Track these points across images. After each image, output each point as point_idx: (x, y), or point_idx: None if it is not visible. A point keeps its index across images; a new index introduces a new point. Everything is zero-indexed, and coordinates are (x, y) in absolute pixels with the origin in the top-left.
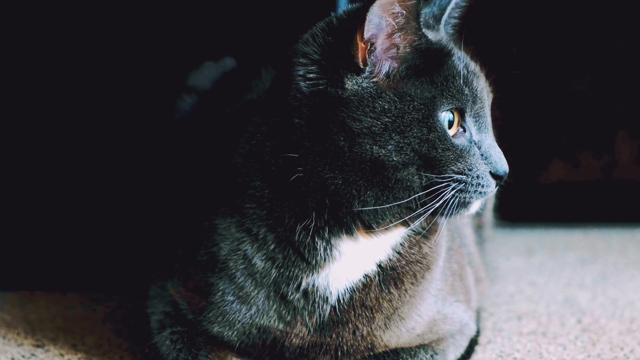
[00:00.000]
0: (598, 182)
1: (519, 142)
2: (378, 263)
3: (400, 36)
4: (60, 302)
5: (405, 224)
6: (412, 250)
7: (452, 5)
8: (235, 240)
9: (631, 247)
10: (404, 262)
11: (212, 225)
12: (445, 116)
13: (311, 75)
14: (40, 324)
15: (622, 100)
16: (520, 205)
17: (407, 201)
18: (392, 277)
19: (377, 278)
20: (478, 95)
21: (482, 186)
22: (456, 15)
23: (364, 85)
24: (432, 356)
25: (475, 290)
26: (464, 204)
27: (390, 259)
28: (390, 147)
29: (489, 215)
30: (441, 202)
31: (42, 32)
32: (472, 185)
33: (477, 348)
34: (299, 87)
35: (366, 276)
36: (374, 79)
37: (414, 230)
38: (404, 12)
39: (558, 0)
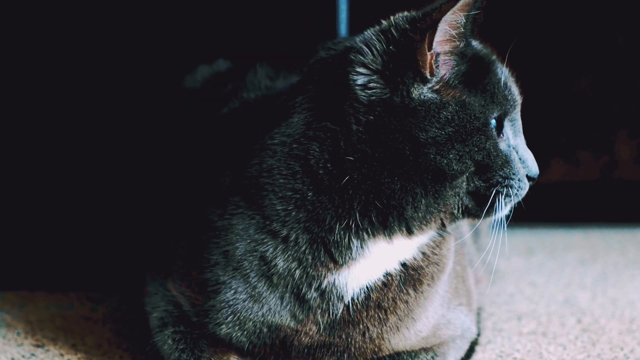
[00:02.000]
0: (598, 182)
1: None
2: (402, 262)
3: (459, 45)
4: (60, 302)
5: (441, 226)
6: (435, 251)
7: (473, 13)
8: (253, 242)
9: (631, 247)
10: (427, 263)
11: (227, 225)
12: (493, 123)
13: (373, 85)
14: (40, 324)
15: (622, 100)
16: (520, 205)
17: (452, 207)
18: (413, 277)
19: (398, 277)
20: (517, 100)
21: (522, 189)
22: (477, 13)
23: (430, 95)
24: (432, 357)
25: (475, 291)
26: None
27: (415, 259)
28: (451, 156)
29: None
30: (497, 206)
31: (41, 35)
32: (517, 188)
33: (477, 348)
34: (357, 96)
35: (387, 275)
36: (439, 88)
37: (440, 231)
38: (464, 20)
39: (558, 0)
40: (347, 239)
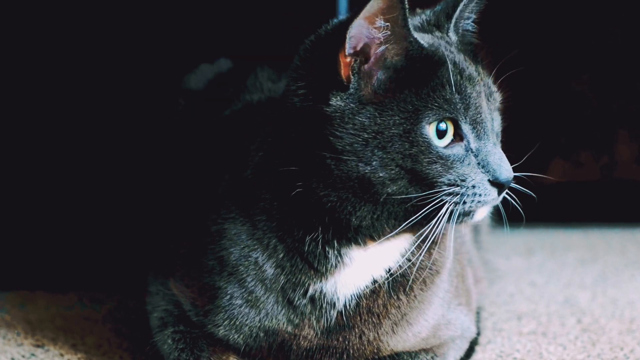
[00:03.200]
0: (598, 182)
1: (519, 142)
2: (387, 269)
3: (386, 48)
4: (60, 302)
5: (412, 231)
6: (422, 256)
7: (464, 2)
8: (246, 247)
9: (631, 247)
10: (414, 269)
11: (221, 230)
12: (431, 127)
13: (301, 92)
14: (40, 324)
15: (622, 100)
16: (520, 205)
17: (398, 215)
18: (401, 283)
19: (386, 285)
20: (472, 101)
21: (480, 195)
22: (475, 9)
23: (348, 101)
24: (432, 357)
25: (474, 290)
26: (466, 214)
27: (400, 266)
28: (375, 163)
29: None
30: (440, 214)
31: (42, 35)
32: (468, 195)
33: (477, 348)
34: (293, 102)
35: (375, 282)
36: (359, 95)
37: (420, 237)
38: (388, 24)
39: (558, 0)
40: (320, 248)
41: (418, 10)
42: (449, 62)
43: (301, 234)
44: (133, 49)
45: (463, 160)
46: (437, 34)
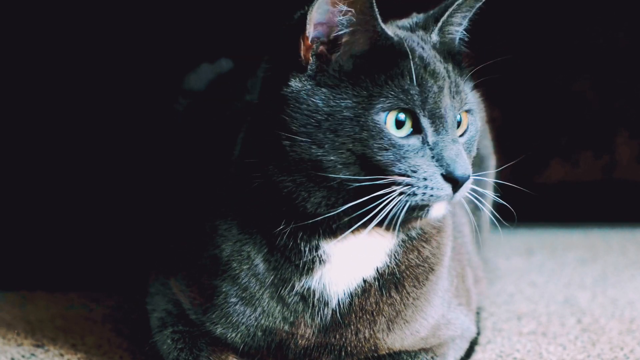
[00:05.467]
0: (598, 182)
1: (519, 142)
2: (376, 268)
3: (347, 33)
4: (60, 302)
5: (385, 227)
6: (411, 256)
7: (453, 7)
8: (238, 242)
9: (631, 247)
10: (403, 267)
11: (213, 227)
12: (390, 116)
13: (268, 74)
14: (40, 324)
15: (622, 100)
16: (520, 205)
17: (359, 203)
18: (391, 281)
19: (376, 283)
20: (431, 95)
21: (432, 189)
22: (466, 16)
23: (305, 82)
24: (432, 357)
25: (474, 290)
26: (420, 208)
27: (388, 265)
28: (327, 146)
29: (486, 215)
30: (389, 204)
31: (43, 36)
32: (419, 187)
33: (477, 348)
34: (263, 89)
35: (365, 281)
36: (317, 77)
37: (408, 235)
38: (352, 9)
39: (558, 0)
40: (292, 242)
41: (414, 15)
42: (413, 55)
43: (272, 227)
44: (133, 49)
45: (417, 152)
46: (420, 33)
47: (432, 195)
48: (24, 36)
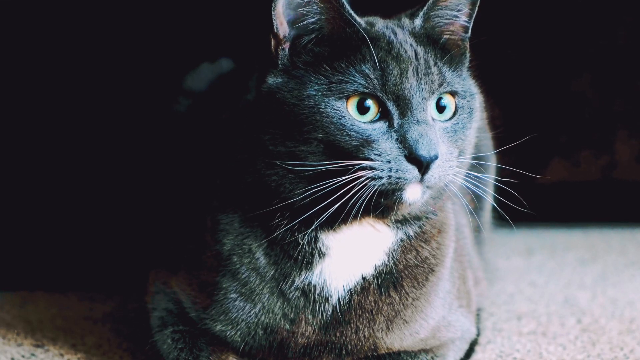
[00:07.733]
0: (598, 182)
1: (518, 141)
2: (374, 267)
3: (312, 24)
4: (60, 302)
5: (376, 217)
6: (409, 256)
7: None
8: (240, 235)
9: (631, 247)
10: (401, 267)
11: (215, 222)
12: (349, 101)
13: (255, 74)
14: (40, 324)
15: (622, 100)
16: (520, 205)
17: (331, 190)
18: (390, 281)
19: (375, 282)
20: (391, 78)
21: (397, 171)
22: (463, 4)
23: (277, 77)
24: (432, 358)
25: (474, 291)
26: (392, 192)
27: (386, 264)
28: (297, 136)
29: (487, 215)
30: (358, 190)
31: (43, 36)
32: (383, 170)
33: (477, 348)
34: (249, 87)
35: (364, 279)
36: (287, 71)
37: (407, 234)
38: (318, 1)
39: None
40: (290, 234)
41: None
42: (380, 40)
43: (268, 219)
44: (134, 49)
45: (383, 136)
46: (404, 20)
47: (398, 178)
48: (24, 36)
